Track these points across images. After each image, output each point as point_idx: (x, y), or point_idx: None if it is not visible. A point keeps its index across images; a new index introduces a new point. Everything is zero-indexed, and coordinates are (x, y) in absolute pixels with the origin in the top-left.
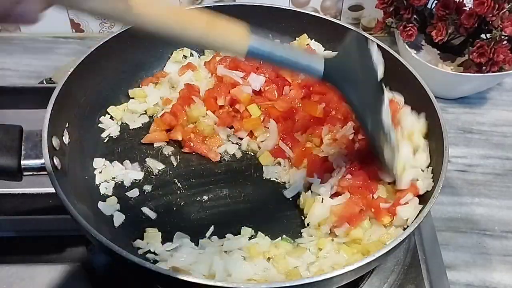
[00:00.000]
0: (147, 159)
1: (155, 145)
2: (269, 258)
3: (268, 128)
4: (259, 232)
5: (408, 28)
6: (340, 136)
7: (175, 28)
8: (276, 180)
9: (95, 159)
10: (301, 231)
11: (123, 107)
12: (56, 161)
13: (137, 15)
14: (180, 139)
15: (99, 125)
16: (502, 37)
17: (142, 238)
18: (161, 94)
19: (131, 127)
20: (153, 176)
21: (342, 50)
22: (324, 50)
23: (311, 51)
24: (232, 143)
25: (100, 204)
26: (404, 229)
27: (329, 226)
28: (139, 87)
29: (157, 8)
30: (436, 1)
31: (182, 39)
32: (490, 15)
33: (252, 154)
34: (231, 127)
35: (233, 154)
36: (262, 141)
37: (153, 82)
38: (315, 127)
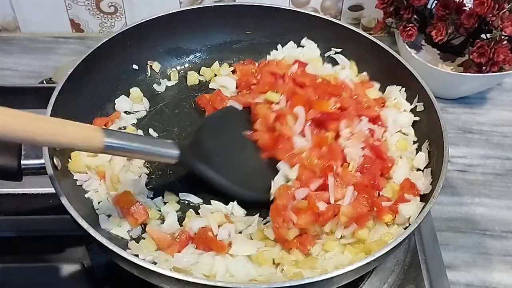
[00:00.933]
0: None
1: None
2: (277, 264)
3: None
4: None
5: (408, 28)
6: (357, 130)
7: (23, 135)
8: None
9: None
10: None
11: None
12: (56, 161)
13: None
14: None
15: None
16: (502, 37)
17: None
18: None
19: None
20: (153, 176)
21: (198, 133)
22: (324, 50)
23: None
24: None
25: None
26: (405, 228)
27: (341, 231)
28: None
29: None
30: (436, 1)
31: (34, 142)
32: (490, 15)
33: None
34: None
35: None
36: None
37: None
38: (330, 122)
